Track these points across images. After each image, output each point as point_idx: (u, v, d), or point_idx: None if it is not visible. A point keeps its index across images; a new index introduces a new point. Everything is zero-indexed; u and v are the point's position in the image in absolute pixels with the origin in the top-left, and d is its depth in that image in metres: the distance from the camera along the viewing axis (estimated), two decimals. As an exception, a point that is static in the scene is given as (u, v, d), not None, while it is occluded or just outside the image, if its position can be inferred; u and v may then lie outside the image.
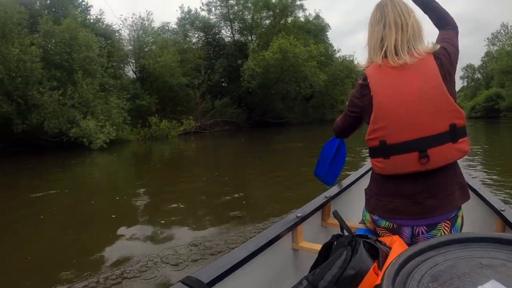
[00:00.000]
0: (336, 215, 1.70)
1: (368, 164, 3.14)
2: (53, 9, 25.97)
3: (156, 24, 33.35)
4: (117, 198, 8.30)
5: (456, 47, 1.66)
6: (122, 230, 5.44)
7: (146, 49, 28.24)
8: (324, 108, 44.64)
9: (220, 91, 35.69)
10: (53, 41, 20.21)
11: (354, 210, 2.65)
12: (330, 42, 45.83)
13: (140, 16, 28.75)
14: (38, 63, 18.40)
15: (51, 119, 18.49)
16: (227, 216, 5.87)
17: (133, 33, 28.66)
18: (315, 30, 40.88)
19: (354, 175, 3.12)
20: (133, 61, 27.81)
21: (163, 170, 13.26)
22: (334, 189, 2.71)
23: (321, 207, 2.45)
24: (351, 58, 42.45)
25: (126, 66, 28.51)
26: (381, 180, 1.74)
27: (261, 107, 36.50)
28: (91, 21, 28.02)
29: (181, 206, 6.97)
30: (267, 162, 13.34)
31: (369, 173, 2.48)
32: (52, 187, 9.39)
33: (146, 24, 29.05)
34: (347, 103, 1.92)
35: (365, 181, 2.12)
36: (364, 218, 1.92)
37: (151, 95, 27.06)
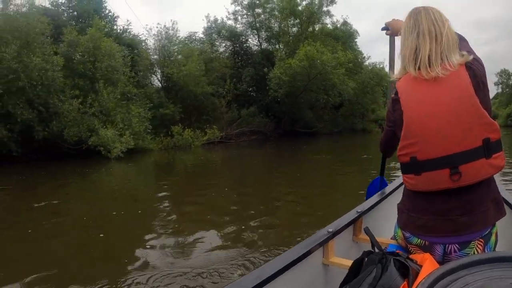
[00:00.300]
0: (367, 231, 1.75)
1: (400, 178, 2.84)
2: (80, 20, 26.27)
3: (183, 33, 33.18)
4: (127, 208, 8.12)
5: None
6: (139, 240, 5.43)
7: (171, 58, 27.91)
8: (354, 117, 43.18)
9: (248, 100, 35.10)
10: (78, 51, 20.51)
11: (386, 225, 2.61)
12: (360, 49, 44.58)
13: (165, 26, 28.64)
14: (59, 72, 18.54)
15: (71, 127, 18.55)
16: (251, 232, 5.70)
17: (158, 42, 28.49)
18: (343, 37, 39.79)
19: (386, 189, 3.00)
20: (158, 70, 27.49)
21: (183, 181, 12.79)
22: (366, 204, 2.65)
23: (352, 222, 2.41)
24: (381, 66, 41.14)
25: (152, 75, 28.33)
26: (413, 196, 1.73)
27: (290, 116, 35.57)
28: (118, 31, 28.34)
29: (202, 218, 6.83)
30: (294, 175, 12.61)
31: (401, 187, 2.50)
32: (63, 195, 9.61)
33: (171, 34, 28.78)
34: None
35: (398, 196, 2.17)
36: (395, 234, 1.92)
37: (175, 104, 26.74)
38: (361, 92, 38.50)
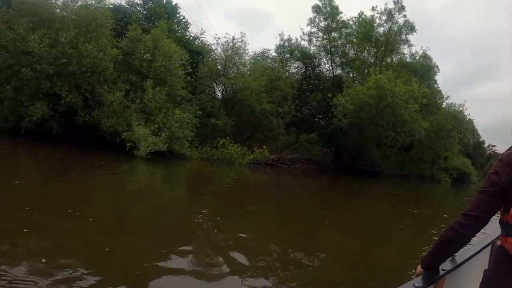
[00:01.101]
0: None
1: (486, 237, 2.77)
2: (150, 20, 26.38)
3: (256, 48, 32.45)
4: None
5: None
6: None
7: (233, 69, 26.97)
8: (423, 163, 39.25)
9: (310, 127, 32.68)
10: (138, 48, 20.62)
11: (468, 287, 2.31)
12: (439, 87, 40.98)
13: (233, 37, 27.81)
14: (109, 62, 18.81)
15: (110, 118, 18.68)
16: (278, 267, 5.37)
17: (223, 52, 27.71)
18: (421, 70, 36.16)
19: (471, 249, 2.62)
20: (220, 79, 26.55)
21: (209, 198, 11.35)
22: (451, 263, 2.29)
23: (435, 280, 2.14)
24: (461, 108, 36.64)
25: (212, 84, 27.35)
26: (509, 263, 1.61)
27: (353, 150, 32.74)
28: (189, 37, 28.52)
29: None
30: (344, 217, 11.04)
31: (487, 249, 2.55)
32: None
33: (237, 45, 27.82)
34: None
35: (483, 257, 2.40)
36: None
37: (230, 117, 25.50)
38: (434, 135, 34.49)
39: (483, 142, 67.07)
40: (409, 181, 34.12)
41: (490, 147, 73.80)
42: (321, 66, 37.78)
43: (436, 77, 40.46)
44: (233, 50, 27.36)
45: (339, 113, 28.43)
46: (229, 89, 26.95)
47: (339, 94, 28.35)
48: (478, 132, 62.30)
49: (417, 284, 1.91)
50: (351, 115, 27.98)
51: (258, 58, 33.61)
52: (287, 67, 36.06)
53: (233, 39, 27.49)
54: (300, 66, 37.20)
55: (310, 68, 37.03)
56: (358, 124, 29.38)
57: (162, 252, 5.24)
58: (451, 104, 37.95)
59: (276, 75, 30.83)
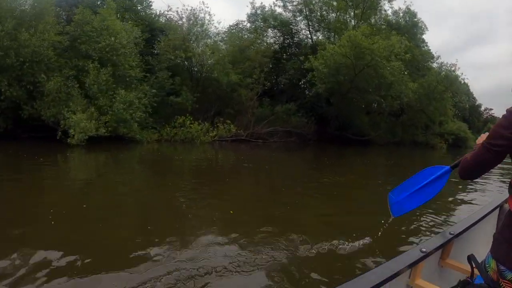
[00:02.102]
0: (474, 260, 1.71)
1: (494, 201, 2.84)
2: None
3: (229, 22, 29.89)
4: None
5: None
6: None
7: (195, 42, 24.35)
8: (415, 128, 36.84)
9: (291, 97, 30.29)
10: (85, 31, 19.05)
11: (474, 252, 2.00)
12: (429, 49, 38.06)
13: (192, 8, 25.16)
14: (49, 49, 17.66)
15: (52, 107, 17.35)
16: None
17: (183, 25, 25.25)
18: (405, 27, 33.36)
19: (478, 213, 2.71)
20: (182, 55, 23.70)
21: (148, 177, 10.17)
22: (458, 227, 2.42)
23: (443, 245, 2.25)
24: (453, 68, 33.14)
25: (177, 60, 24.49)
26: None
27: (337, 120, 30.32)
28: (152, 15, 26.89)
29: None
30: (327, 194, 8.87)
31: (495, 212, 2.62)
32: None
33: (199, 16, 25.20)
34: (487, 135, 1.60)
35: (490, 221, 2.51)
36: (487, 265, 1.66)
37: (194, 93, 23.33)
38: (425, 97, 31.96)
39: (479, 106, 64.92)
40: (402, 149, 32.03)
41: (487, 111, 72.69)
42: (301, 34, 34.94)
43: (425, 36, 37.56)
44: (193, 21, 24.66)
45: (314, 78, 25.72)
46: (192, 63, 24.58)
47: (313, 57, 25.46)
48: (474, 96, 60.25)
49: (424, 249, 1.98)
50: (328, 80, 25.24)
51: (233, 30, 31.26)
52: (264, 37, 33.54)
53: (192, 9, 24.91)
54: (278, 35, 34.54)
55: (288, 36, 34.23)
56: (338, 90, 26.72)
57: (144, 241, 4.55)
58: (442, 63, 35.10)
59: (246, 45, 27.97)
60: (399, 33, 29.40)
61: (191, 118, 22.02)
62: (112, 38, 18.63)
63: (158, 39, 24.31)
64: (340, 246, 4.51)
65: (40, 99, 17.29)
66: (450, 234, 2.26)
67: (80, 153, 14.56)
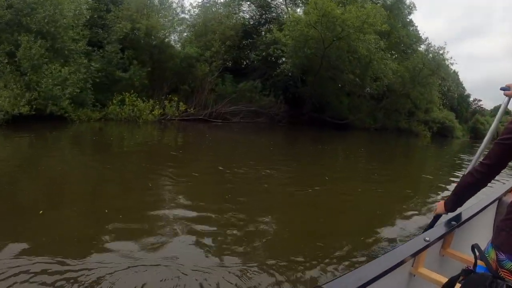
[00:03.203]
0: (478, 249, 1.70)
1: (492, 194, 2.93)
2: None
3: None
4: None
5: None
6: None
7: (148, 12, 21.44)
8: (399, 114, 34.36)
9: (263, 74, 27.09)
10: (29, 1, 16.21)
11: (476, 242, 1.97)
12: (417, 31, 35.40)
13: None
14: None
15: None
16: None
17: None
18: (391, 5, 30.33)
19: (479, 204, 2.75)
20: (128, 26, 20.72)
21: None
22: (459, 216, 2.44)
23: (444, 235, 2.26)
24: (442, 52, 30.32)
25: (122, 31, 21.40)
26: None
27: (311, 100, 27.57)
28: None
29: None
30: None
31: (494, 205, 2.73)
32: None
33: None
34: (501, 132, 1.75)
35: (489, 213, 2.59)
36: (487, 255, 1.70)
37: (145, 66, 20.66)
38: (410, 81, 29.44)
39: (468, 96, 62.53)
40: (381, 135, 29.72)
41: (476, 102, 71.10)
42: (279, 9, 31.94)
43: (411, 17, 34.78)
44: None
45: (277, 52, 22.95)
46: (146, 36, 21.37)
47: (276, 28, 22.63)
48: (464, 86, 58.10)
49: (427, 238, 1.99)
50: (295, 55, 22.40)
51: (208, 4, 28.10)
52: (240, 12, 30.60)
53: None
54: (254, 9, 31.64)
55: (264, 11, 31.27)
56: (309, 67, 23.94)
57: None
58: (429, 44, 32.45)
59: (215, 18, 25.12)
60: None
61: (136, 95, 19.39)
62: (51, 8, 16.23)
63: (111, 9, 21.47)
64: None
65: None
66: (452, 223, 2.28)
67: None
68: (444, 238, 2.34)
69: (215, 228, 4.58)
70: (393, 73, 26.64)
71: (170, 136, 16.24)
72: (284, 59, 23.46)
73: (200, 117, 22.18)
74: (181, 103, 20.75)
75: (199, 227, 4.51)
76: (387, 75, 25.71)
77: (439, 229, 2.24)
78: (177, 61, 21.57)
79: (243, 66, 28.84)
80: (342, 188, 7.85)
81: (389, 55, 26.03)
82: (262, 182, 7.55)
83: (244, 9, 31.53)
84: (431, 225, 2.44)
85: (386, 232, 5.08)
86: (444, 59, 29.93)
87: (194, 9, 26.41)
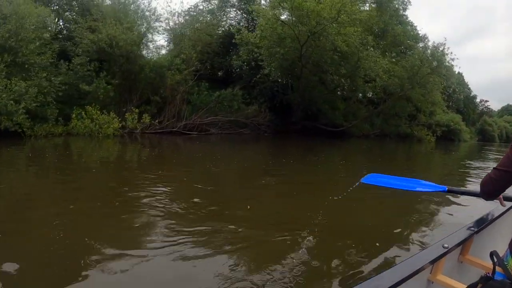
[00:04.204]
0: (496, 256, 1.70)
1: None
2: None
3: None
4: None
5: None
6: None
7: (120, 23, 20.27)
8: (399, 119, 32.21)
9: (247, 82, 25.08)
10: None
11: (495, 248, 1.99)
12: (414, 27, 33.47)
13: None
14: None
15: None
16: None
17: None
18: None
19: (497, 210, 2.64)
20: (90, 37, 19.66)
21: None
22: (478, 222, 2.39)
23: (463, 241, 2.20)
24: (442, 48, 27.60)
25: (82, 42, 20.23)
26: None
27: (302, 108, 25.67)
28: None
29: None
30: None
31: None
32: None
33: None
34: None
35: (509, 218, 2.51)
36: (506, 262, 1.73)
37: (114, 78, 19.57)
38: (408, 82, 26.78)
39: (474, 97, 60.12)
40: (382, 142, 27.40)
41: (483, 102, 69.11)
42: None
43: (406, 13, 32.89)
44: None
45: (245, 54, 21.21)
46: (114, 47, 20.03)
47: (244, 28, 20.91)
48: (469, 87, 55.89)
49: (446, 245, 1.96)
50: (271, 57, 20.57)
51: (193, 13, 26.98)
52: (225, 18, 29.59)
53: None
54: (241, 15, 30.37)
55: (252, 17, 29.81)
56: (290, 70, 22.09)
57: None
58: (426, 38, 30.51)
59: (183, 25, 23.72)
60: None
61: (99, 108, 18.25)
62: (13, 22, 15.96)
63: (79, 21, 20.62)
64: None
65: None
66: (471, 229, 2.23)
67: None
68: (462, 244, 2.26)
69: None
70: (387, 73, 24.61)
71: (129, 151, 14.49)
72: (262, 62, 21.61)
73: (174, 129, 20.69)
74: (145, 115, 19.46)
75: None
76: (379, 74, 23.62)
77: (458, 235, 2.16)
78: (147, 71, 20.25)
79: (229, 74, 27.12)
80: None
81: (379, 52, 23.98)
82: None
83: (232, 16, 30.44)
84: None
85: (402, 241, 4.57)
86: (444, 54, 27.36)
87: (178, 18, 25.17)
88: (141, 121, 19.29)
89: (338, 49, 20.18)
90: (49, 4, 20.50)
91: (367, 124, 30.15)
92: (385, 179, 2.76)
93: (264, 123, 24.22)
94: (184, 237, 4.20)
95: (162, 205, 5.55)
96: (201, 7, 28.53)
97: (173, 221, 4.81)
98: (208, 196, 6.31)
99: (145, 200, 5.82)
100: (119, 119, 18.61)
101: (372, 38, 22.26)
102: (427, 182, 2.63)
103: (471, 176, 10.97)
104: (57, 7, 21.76)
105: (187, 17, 25.53)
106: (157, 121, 20.20)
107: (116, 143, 16.28)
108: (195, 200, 6.05)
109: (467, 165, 15.16)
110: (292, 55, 20.88)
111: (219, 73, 27.36)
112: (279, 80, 25.13)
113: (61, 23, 22.43)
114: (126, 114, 19.22)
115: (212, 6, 29.27)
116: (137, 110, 19.24)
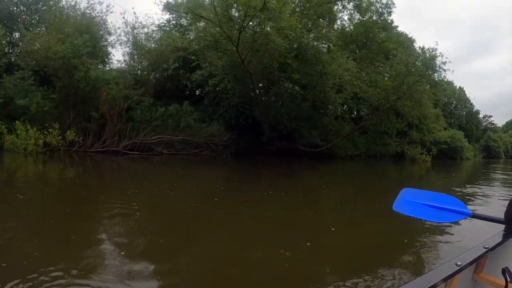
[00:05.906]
0: (508, 273, 1.71)
1: None
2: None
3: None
4: None
5: None
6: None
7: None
8: (388, 137, 29.65)
9: (212, 99, 23.26)
10: None
11: (509, 266, 2.04)
12: (402, 32, 31.61)
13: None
14: None
15: None
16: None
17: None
18: None
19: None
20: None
21: None
22: (494, 240, 2.20)
23: (477, 259, 2.03)
24: (433, 53, 24.71)
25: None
26: None
27: (268, 126, 23.52)
28: None
29: None
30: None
31: None
32: None
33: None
34: None
35: None
36: None
37: (53, 92, 19.35)
38: (393, 92, 24.01)
39: (477, 112, 57.29)
40: (368, 163, 24.69)
41: (486, 118, 66.33)
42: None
43: (391, 16, 30.97)
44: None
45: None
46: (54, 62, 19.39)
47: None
48: (471, 102, 53.23)
49: (459, 263, 1.86)
50: (209, 63, 18.90)
51: (166, 28, 26.07)
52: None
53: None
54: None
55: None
56: (242, 80, 20.24)
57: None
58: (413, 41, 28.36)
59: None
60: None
61: (26, 124, 17.50)
62: None
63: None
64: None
65: None
66: (485, 248, 2.06)
67: None
68: (477, 262, 2.10)
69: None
70: (366, 83, 22.50)
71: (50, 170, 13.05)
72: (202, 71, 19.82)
73: (117, 148, 19.16)
74: (69, 132, 18.41)
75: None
76: (348, 80, 21.35)
77: (472, 253, 2.00)
78: (81, 85, 19.16)
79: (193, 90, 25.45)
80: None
81: (339, 49, 21.83)
82: None
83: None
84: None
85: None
86: (433, 58, 24.44)
87: (135, 31, 23.80)
88: (66, 138, 18.04)
89: (283, 48, 18.09)
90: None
91: (350, 144, 27.65)
92: (415, 204, 2.40)
93: (221, 143, 22.02)
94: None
95: None
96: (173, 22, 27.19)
97: None
98: None
99: None
100: (43, 136, 17.56)
101: (335, 35, 20.25)
102: (459, 203, 2.34)
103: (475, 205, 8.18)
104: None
105: (145, 29, 24.20)
106: (81, 138, 18.98)
107: (36, 161, 14.87)
108: None
109: (468, 191, 11.41)
110: (233, 60, 19.02)
111: (186, 90, 25.56)
112: (231, 94, 22.83)
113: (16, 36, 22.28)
114: (68, 131, 18.47)
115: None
116: (57, 126, 18.03)
